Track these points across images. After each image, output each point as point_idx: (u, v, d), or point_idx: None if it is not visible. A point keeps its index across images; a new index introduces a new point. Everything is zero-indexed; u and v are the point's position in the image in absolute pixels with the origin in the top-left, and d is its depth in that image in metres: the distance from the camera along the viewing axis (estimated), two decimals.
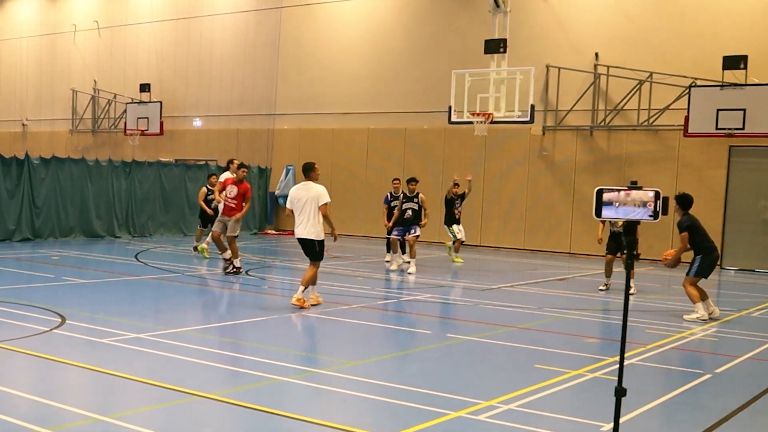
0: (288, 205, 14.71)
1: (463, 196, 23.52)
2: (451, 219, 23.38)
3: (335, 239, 15.58)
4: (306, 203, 14.40)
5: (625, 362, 6.42)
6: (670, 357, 11.47)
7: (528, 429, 7.74)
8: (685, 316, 14.97)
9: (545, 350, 11.65)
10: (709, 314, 14.91)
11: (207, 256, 21.90)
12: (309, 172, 14.74)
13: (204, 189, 22.96)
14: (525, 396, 8.87)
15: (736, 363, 11.28)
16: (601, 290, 18.55)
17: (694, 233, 14.93)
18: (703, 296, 15.04)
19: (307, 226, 14.42)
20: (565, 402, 8.89)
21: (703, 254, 14.98)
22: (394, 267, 21.40)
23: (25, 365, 9.67)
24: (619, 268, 19.01)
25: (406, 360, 10.97)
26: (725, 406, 8.85)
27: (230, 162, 21.27)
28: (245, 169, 19.64)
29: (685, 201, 15.16)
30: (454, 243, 23.67)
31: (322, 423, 7.66)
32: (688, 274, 15.08)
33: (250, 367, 9.80)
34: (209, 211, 22.13)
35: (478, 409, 8.27)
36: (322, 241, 14.61)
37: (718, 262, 24.89)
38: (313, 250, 14.55)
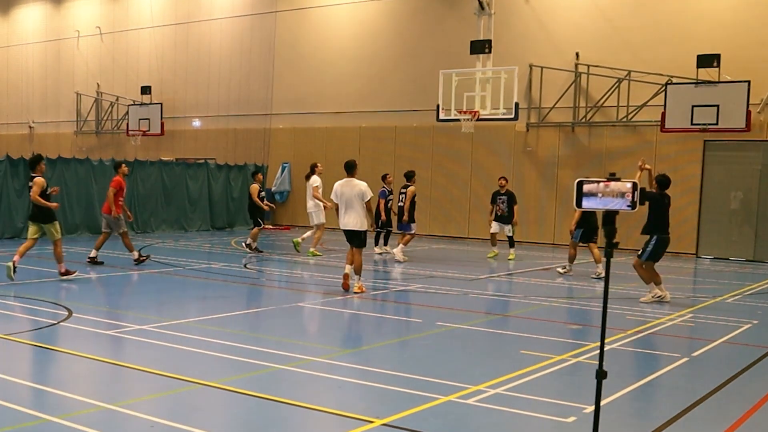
0: (334, 197, 15.75)
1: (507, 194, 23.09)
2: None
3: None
4: (351, 198, 15.45)
5: (606, 347, 6.46)
6: (648, 342, 11.52)
7: (515, 412, 7.78)
8: (642, 299, 15.33)
9: (530, 337, 11.68)
10: (660, 297, 15.22)
11: (319, 253, 22.30)
12: (352, 170, 15.85)
13: (256, 186, 22.92)
14: (511, 380, 8.90)
15: (712, 347, 11.33)
16: (561, 273, 19.33)
17: (656, 206, 15.27)
18: (657, 280, 15.31)
19: (354, 218, 15.46)
20: (549, 386, 8.92)
21: (658, 235, 15.18)
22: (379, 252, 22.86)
23: (33, 357, 9.69)
24: (584, 256, 19.09)
25: (397, 347, 10.99)
26: (701, 388, 8.90)
27: (315, 166, 22.57)
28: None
29: (664, 182, 15.56)
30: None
31: (318, 408, 7.69)
32: (640, 256, 15.24)
33: (249, 356, 9.82)
34: (266, 206, 23.01)
35: (467, 393, 8.30)
36: (365, 231, 15.68)
37: (694, 251, 25.24)
38: (359, 238, 15.49)
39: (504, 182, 22.89)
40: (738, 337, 12.16)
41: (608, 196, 6.05)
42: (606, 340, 6.42)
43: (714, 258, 24.91)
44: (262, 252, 22.36)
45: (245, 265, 19.47)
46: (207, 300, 14.71)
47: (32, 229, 16.57)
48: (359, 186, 15.50)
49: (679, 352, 10.81)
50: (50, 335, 10.82)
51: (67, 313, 12.22)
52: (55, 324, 11.45)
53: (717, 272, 21.53)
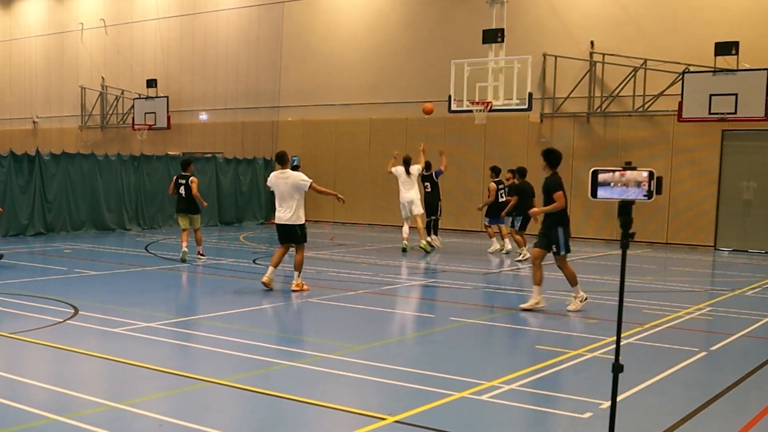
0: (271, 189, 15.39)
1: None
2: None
3: (343, 201, 16.36)
4: (285, 191, 14.96)
5: (623, 341, 6.47)
6: (666, 336, 11.51)
7: (529, 408, 7.80)
8: (568, 307, 13.61)
9: (546, 331, 11.69)
10: (536, 303, 13.57)
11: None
12: (284, 160, 15.32)
13: None
14: (526, 376, 8.92)
15: (731, 341, 11.32)
16: (518, 260, 20.07)
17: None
18: (539, 281, 13.76)
19: (289, 213, 15.02)
20: (565, 381, 8.95)
21: (565, 225, 13.58)
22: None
23: (40, 355, 9.73)
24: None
25: (410, 343, 11.02)
26: (720, 382, 8.90)
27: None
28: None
29: (554, 158, 13.68)
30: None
31: (329, 405, 7.72)
32: (558, 253, 13.58)
33: (259, 353, 9.85)
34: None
35: (481, 389, 8.32)
36: (304, 225, 15.25)
37: (713, 243, 25.20)
38: (296, 234, 15.13)
39: (510, 176, 22.34)
40: (757, 330, 12.15)
41: (624, 186, 6.05)
42: (622, 334, 6.43)
43: (733, 250, 24.85)
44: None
45: (254, 261, 19.51)
46: (216, 296, 14.75)
47: (183, 221, 19.92)
48: (293, 177, 14.96)
49: (697, 347, 10.80)
50: (56, 333, 10.86)
51: (73, 311, 12.27)
52: (61, 322, 11.51)
53: (736, 264, 21.49)
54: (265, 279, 15.04)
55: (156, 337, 10.62)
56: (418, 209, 22.43)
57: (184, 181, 20.08)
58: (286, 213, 15.01)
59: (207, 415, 7.50)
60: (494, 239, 23.04)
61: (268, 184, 15.39)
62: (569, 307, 13.50)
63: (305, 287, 15.05)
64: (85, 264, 18.43)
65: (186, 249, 19.38)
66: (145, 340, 10.52)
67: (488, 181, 23.30)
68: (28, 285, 14.99)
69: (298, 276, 15.11)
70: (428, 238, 22.56)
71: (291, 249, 15.64)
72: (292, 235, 15.18)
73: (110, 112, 40.54)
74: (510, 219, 21.04)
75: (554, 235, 13.49)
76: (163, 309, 13.31)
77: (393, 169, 22.88)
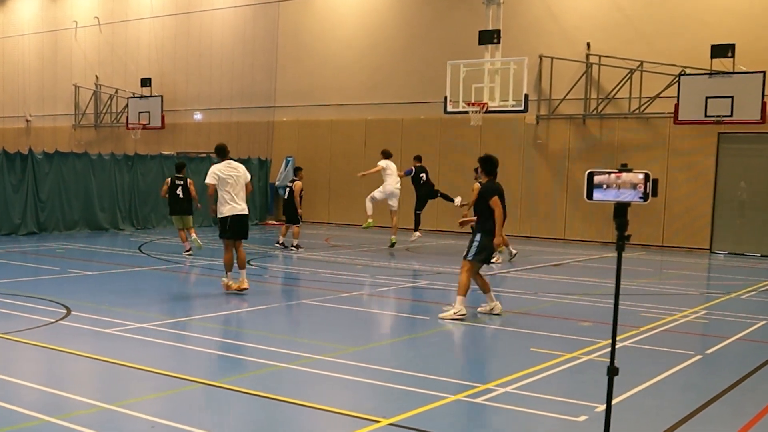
0: (214, 181, 14.53)
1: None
2: None
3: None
4: (238, 180, 14.65)
5: (618, 344, 6.48)
6: (661, 339, 11.51)
7: (524, 411, 7.80)
8: (440, 315, 12.76)
9: (541, 334, 11.69)
10: (490, 309, 13.11)
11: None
12: (226, 152, 14.94)
13: (300, 183, 23.74)
14: (521, 379, 8.92)
15: (726, 344, 11.34)
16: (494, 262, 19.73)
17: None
18: (485, 288, 13.21)
19: (244, 204, 14.72)
20: (560, 384, 8.94)
21: (485, 234, 12.74)
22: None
23: (31, 356, 9.72)
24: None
25: (405, 345, 11.01)
26: (715, 385, 8.92)
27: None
28: None
29: (490, 164, 13.07)
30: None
31: (324, 408, 7.71)
32: (466, 257, 12.88)
33: (252, 354, 9.85)
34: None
35: (476, 392, 8.32)
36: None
37: (708, 246, 25.22)
38: (247, 225, 14.95)
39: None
40: (752, 334, 12.17)
41: (619, 188, 6.05)
42: (618, 337, 6.44)
43: (728, 253, 24.88)
44: (303, 248, 22.58)
45: (249, 262, 19.51)
46: (209, 297, 14.73)
47: (178, 221, 21.00)
48: (242, 167, 14.79)
49: (692, 350, 10.81)
50: (48, 334, 10.84)
51: (65, 311, 12.26)
52: (53, 322, 11.49)
53: (731, 268, 21.53)
54: (234, 285, 14.66)
55: (149, 338, 10.61)
56: (396, 205, 23.57)
57: (181, 183, 21.05)
58: (243, 204, 14.68)
59: (200, 416, 7.49)
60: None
61: (221, 176, 14.51)
62: (441, 315, 12.68)
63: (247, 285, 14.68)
64: (78, 264, 18.41)
65: (195, 236, 20.32)
66: (137, 340, 10.51)
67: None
68: (20, 285, 14.96)
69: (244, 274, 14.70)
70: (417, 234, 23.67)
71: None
72: (245, 228, 14.89)
73: (104, 111, 40.49)
74: None
75: (471, 239, 12.94)
76: (156, 310, 13.29)
77: (381, 163, 23.50)
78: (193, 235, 20.44)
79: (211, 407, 7.83)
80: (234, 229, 14.65)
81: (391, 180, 23.34)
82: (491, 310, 13.04)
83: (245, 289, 14.55)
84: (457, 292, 12.78)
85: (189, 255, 20.30)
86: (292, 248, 22.27)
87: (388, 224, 24.03)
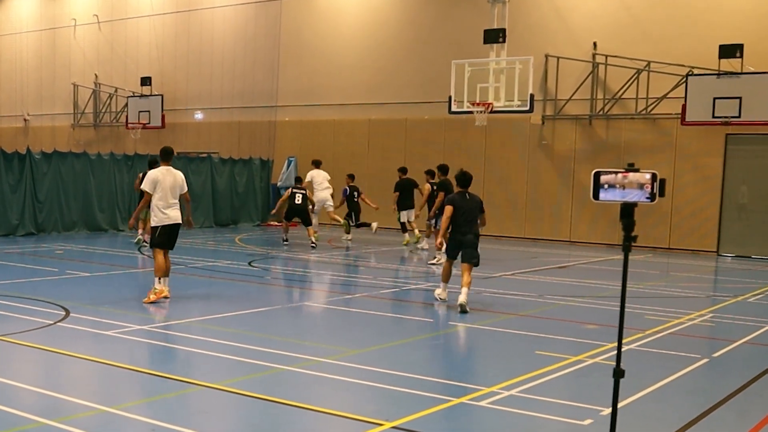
0: (151, 189, 13.91)
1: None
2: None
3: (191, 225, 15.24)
4: (175, 188, 14.09)
5: (624, 348, 6.49)
6: (668, 342, 11.53)
7: (529, 414, 7.81)
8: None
9: (546, 337, 11.71)
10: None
11: None
12: (170, 156, 14.35)
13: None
14: (526, 382, 8.94)
15: (733, 347, 11.36)
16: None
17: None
18: (446, 278, 14.62)
19: (179, 211, 14.22)
20: (565, 387, 8.97)
21: (453, 231, 14.42)
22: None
23: (30, 358, 9.75)
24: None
25: (408, 348, 11.03)
26: (722, 389, 8.93)
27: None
28: None
29: (464, 179, 14.72)
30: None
31: (325, 411, 7.73)
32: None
33: (254, 357, 9.87)
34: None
35: (480, 395, 8.34)
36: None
37: (715, 249, 25.20)
38: (177, 234, 14.39)
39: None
40: (760, 337, 12.18)
41: (626, 188, 6.05)
42: (624, 340, 6.46)
43: (735, 256, 24.88)
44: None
45: (250, 263, 19.53)
46: (210, 299, 14.76)
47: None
48: (181, 175, 14.21)
49: (699, 353, 10.84)
50: (47, 336, 10.87)
51: (64, 313, 12.28)
52: (52, 324, 11.52)
53: (738, 270, 21.53)
54: (164, 292, 14.09)
55: (149, 340, 10.65)
56: (332, 204, 25.52)
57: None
58: (177, 212, 14.20)
59: (200, 419, 7.51)
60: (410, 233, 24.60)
61: (157, 181, 13.91)
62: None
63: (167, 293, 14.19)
64: (77, 265, 18.44)
65: (141, 236, 22.08)
66: (137, 343, 10.54)
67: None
68: (18, 286, 14.99)
69: (166, 282, 14.17)
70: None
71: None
72: (176, 236, 14.41)
73: (103, 111, 40.53)
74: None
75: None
76: (156, 312, 13.32)
77: (308, 177, 25.46)
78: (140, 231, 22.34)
79: (212, 410, 7.85)
80: (168, 237, 14.22)
81: (319, 188, 25.26)
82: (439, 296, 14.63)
83: (162, 298, 13.98)
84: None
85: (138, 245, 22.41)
86: (312, 245, 23.38)
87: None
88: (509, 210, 28.83)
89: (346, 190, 25.68)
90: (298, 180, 25.79)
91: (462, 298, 13.59)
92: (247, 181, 32.51)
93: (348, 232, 25.53)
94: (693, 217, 25.82)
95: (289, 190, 24.18)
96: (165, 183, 13.90)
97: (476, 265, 14.40)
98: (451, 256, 14.53)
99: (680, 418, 7.82)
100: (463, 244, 14.33)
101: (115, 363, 9.32)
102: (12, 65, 45.16)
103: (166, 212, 13.96)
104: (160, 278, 13.93)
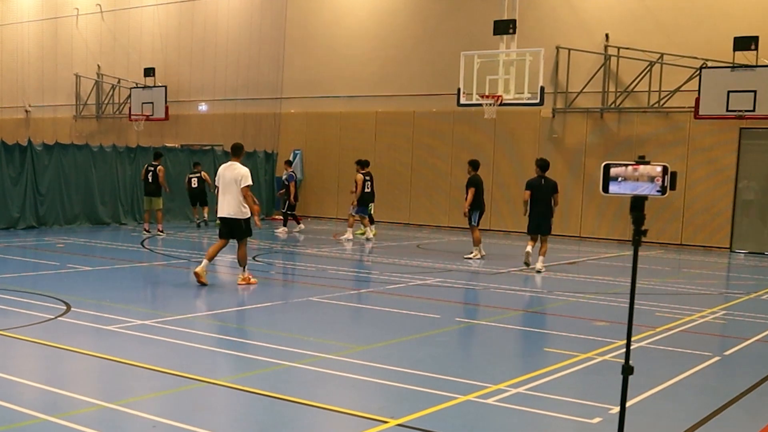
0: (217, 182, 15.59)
1: None
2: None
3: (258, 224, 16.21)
4: (229, 182, 15.10)
5: (634, 345, 6.50)
6: (678, 340, 11.52)
7: (536, 412, 7.82)
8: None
9: (554, 334, 11.72)
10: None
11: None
12: (239, 152, 15.60)
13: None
14: (534, 379, 8.95)
15: (745, 345, 11.35)
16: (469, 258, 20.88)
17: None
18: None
19: (231, 205, 15.11)
20: (573, 385, 8.97)
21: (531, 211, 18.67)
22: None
23: (30, 353, 9.77)
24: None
25: (414, 344, 11.03)
26: (733, 388, 8.93)
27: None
28: None
29: (544, 165, 19.01)
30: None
31: (330, 408, 7.75)
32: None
33: (257, 352, 9.89)
34: None
35: (487, 392, 8.35)
36: (248, 219, 15.31)
37: (728, 245, 25.19)
38: (240, 228, 15.22)
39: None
40: None
41: (637, 180, 6.03)
42: (634, 338, 6.47)
43: (749, 252, 24.86)
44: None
45: (254, 258, 19.56)
46: (213, 294, 14.78)
47: (147, 203, 25.78)
48: (240, 170, 15.13)
49: (710, 351, 10.83)
50: (48, 330, 10.89)
51: (65, 308, 12.31)
52: (52, 318, 11.55)
53: (751, 267, 21.52)
54: (248, 279, 15.43)
55: (151, 336, 10.66)
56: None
57: (152, 169, 25.20)
58: (230, 206, 15.25)
59: (202, 416, 7.52)
60: (351, 229, 25.25)
61: (218, 175, 15.51)
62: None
63: (253, 280, 15.48)
64: (79, 259, 18.48)
65: (147, 229, 25.03)
66: (139, 338, 10.55)
67: (463, 177, 23.49)
68: (19, 280, 15.03)
69: (244, 270, 15.48)
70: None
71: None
72: (233, 228, 15.40)
73: (106, 102, 40.60)
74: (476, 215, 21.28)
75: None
76: (158, 306, 13.36)
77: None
78: (158, 227, 25.16)
79: (215, 407, 7.87)
80: (224, 228, 15.47)
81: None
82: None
83: (241, 284, 15.25)
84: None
85: (147, 234, 24.72)
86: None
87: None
88: (518, 205, 28.76)
89: (292, 175, 26.98)
90: (196, 164, 27.86)
91: (539, 265, 18.38)
92: (252, 174, 32.39)
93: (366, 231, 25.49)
94: (706, 213, 25.80)
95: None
96: (224, 177, 15.17)
97: (548, 233, 18.88)
98: (531, 232, 18.85)
99: (691, 416, 7.82)
100: (540, 224, 18.61)
101: (116, 358, 9.34)
102: (13, 56, 45.23)
103: (221, 205, 15.28)
104: (243, 267, 15.39)
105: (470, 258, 20.66)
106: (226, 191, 15.13)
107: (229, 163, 15.32)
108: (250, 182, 15.11)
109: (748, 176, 25.15)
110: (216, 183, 15.60)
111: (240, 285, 15.13)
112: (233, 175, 15.03)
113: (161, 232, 24.90)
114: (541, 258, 18.39)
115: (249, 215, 15.25)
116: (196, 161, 28.85)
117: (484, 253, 21.04)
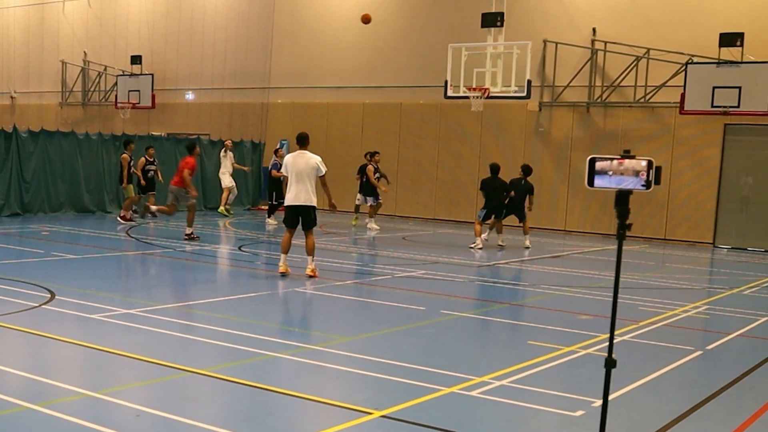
0: (283, 171, 15.54)
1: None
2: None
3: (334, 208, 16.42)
4: (303, 171, 15.06)
5: (617, 339, 6.52)
6: (661, 334, 11.57)
7: (520, 405, 7.85)
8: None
9: (538, 327, 11.75)
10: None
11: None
12: (305, 142, 15.44)
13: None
14: (518, 372, 8.98)
15: (727, 340, 11.42)
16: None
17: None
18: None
19: (306, 193, 15.13)
20: (557, 378, 9.00)
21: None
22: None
23: (13, 341, 9.74)
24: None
25: (399, 336, 11.05)
26: (715, 382, 8.98)
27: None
28: None
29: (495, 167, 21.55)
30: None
31: (314, 398, 7.75)
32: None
33: (241, 342, 9.88)
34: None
35: (471, 384, 8.37)
36: (315, 208, 15.42)
37: (711, 240, 25.28)
38: (310, 216, 15.26)
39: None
40: (754, 330, 12.24)
41: (622, 175, 6.04)
42: (617, 331, 6.49)
43: (731, 248, 24.95)
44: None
45: (240, 248, 19.54)
46: (198, 284, 14.78)
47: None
48: (314, 158, 15.22)
49: (692, 345, 10.88)
50: (31, 318, 10.86)
51: (49, 296, 12.28)
52: (36, 306, 11.52)
53: (734, 262, 21.59)
54: (281, 268, 15.36)
55: (135, 324, 10.64)
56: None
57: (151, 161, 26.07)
58: (302, 194, 15.25)
59: (187, 405, 7.53)
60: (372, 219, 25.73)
61: (287, 164, 15.33)
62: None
63: (317, 273, 15.43)
64: (63, 247, 18.43)
65: (129, 218, 24.88)
66: (123, 327, 10.53)
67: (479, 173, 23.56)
68: (3, 268, 14.96)
69: (312, 261, 15.50)
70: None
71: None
72: (300, 216, 15.42)
73: (92, 89, 40.40)
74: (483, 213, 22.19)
75: None
76: (143, 295, 13.33)
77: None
78: (121, 212, 25.27)
79: (199, 396, 7.87)
80: (293, 217, 15.41)
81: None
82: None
83: (311, 276, 15.21)
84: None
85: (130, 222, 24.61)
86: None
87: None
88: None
89: (277, 164, 26.12)
90: (148, 148, 27.00)
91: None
92: (238, 164, 32.42)
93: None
94: (689, 207, 25.89)
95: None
96: (295, 166, 15.09)
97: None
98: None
99: (673, 410, 7.86)
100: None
101: (100, 347, 9.32)
102: None
103: (294, 193, 15.16)
104: (311, 257, 15.42)
105: (473, 246, 21.37)
106: (299, 179, 15.08)
107: (298, 151, 15.30)
108: (325, 169, 15.31)
109: (734, 172, 25.20)
110: (283, 172, 15.54)
111: (311, 276, 15.13)
112: (308, 164, 15.07)
113: (122, 218, 24.70)
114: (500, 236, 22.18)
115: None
116: (148, 146, 27.61)
117: (486, 239, 21.98)
